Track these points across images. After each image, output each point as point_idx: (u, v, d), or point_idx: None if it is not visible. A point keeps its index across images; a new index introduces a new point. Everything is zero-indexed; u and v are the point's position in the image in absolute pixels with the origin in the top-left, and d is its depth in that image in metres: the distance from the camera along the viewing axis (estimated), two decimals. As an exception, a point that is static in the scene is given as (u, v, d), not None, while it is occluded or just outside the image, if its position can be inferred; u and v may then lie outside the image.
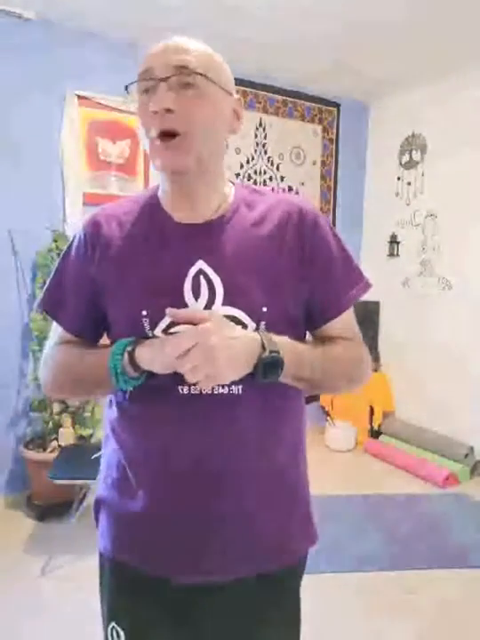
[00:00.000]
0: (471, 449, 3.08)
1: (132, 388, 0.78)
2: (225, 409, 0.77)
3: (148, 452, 0.80)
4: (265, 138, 3.29)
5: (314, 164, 3.56)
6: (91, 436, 2.59)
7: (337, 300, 0.84)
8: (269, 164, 3.34)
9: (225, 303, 0.76)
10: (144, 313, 0.76)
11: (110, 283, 0.81)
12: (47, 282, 0.89)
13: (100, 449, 2.55)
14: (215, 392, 0.76)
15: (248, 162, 3.25)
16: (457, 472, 2.99)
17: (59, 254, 2.46)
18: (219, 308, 0.76)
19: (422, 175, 3.38)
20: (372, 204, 3.78)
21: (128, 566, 0.83)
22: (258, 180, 3.30)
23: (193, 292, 0.77)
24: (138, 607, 0.84)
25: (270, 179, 3.35)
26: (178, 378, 0.71)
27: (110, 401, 0.88)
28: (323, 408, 3.62)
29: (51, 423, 2.55)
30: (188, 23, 2.52)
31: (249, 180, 3.26)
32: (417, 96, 3.36)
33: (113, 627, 0.85)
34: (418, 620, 1.86)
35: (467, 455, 3.06)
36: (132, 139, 2.81)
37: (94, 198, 2.72)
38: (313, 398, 3.52)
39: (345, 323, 0.86)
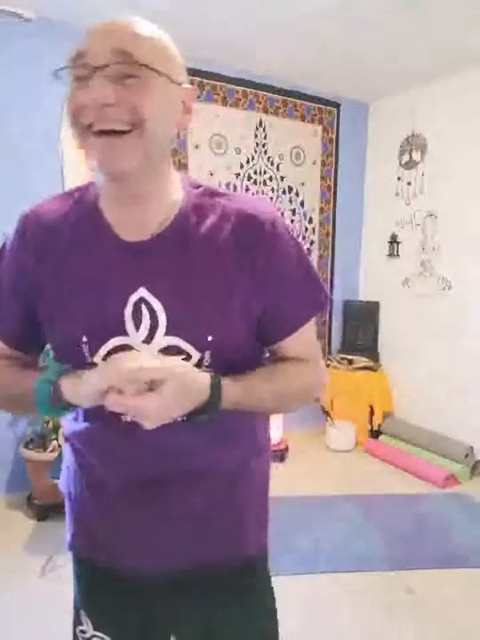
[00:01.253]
0: (471, 449, 3.08)
1: (56, 416, 0.78)
2: (169, 431, 0.71)
3: (93, 462, 0.81)
4: (265, 138, 3.29)
5: (314, 163, 3.55)
6: (91, 435, 2.59)
7: (291, 318, 0.79)
8: (269, 164, 3.34)
9: (168, 333, 0.71)
10: (84, 339, 0.72)
11: (46, 297, 0.75)
12: None
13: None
14: None
15: (248, 162, 3.24)
16: (457, 472, 2.99)
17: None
18: (161, 337, 0.71)
19: (422, 175, 3.38)
20: (372, 204, 3.78)
21: (89, 559, 0.86)
22: (258, 180, 3.30)
23: (134, 321, 0.71)
24: (102, 598, 0.87)
25: (270, 179, 3.35)
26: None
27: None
28: (322, 408, 3.62)
29: (51, 423, 2.55)
30: (188, 23, 2.52)
31: (249, 180, 3.26)
32: (417, 96, 3.36)
33: (82, 612, 0.89)
34: (418, 620, 1.86)
35: (467, 455, 3.06)
36: (132, 139, 2.81)
37: (94, 198, 2.72)
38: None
39: (301, 342, 0.81)
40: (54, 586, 2.00)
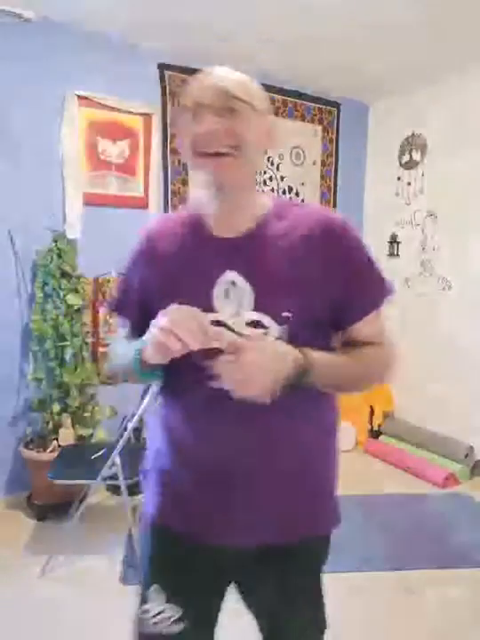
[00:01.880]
0: (471, 449, 3.08)
1: (151, 380, 0.95)
2: (251, 407, 0.80)
3: (184, 436, 0.92)
4: (265, 138, 3.29)
5: (314, 164, 3.55)
6: (91, 435, 2.59)
7: (360, 305, 0.92)
8: (269, 164, 3.34)
9: (253, 309, 0.86)
10: None
11: (156, 289, 0.93)
12: (115, 286, 1.01)
13: (99, 449, 2.56)
14: None
15: (248, 162, 3.24)
16: (457, 472, 2.99)
17: (59, 254, 2.47)
18: (247, 313, 0.86)
19: (422, 175, 3.38)
20: (372, 204, 3.78)
21: (170, 530, 0.94)
22: (258, 180, 3.30)
23: (225, 298, 0.87)
24: (181, 568, 0.94)
25: (270, 179, 3.35)
26: (209, 377, 0.79)
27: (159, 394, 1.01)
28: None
29: (51, 423, 2.54)
30: (188, 23, 2.52)
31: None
32: (417, 96, 3.36)
33: (152, 588, 0.94)
34: (418, 620, 1.86)
35: (467, 455, 3.06)
36: (131, 138, 2.80)
37: (94, 198, 2.72)
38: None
39: (372, 327, 0.95)
40: (54, 586, 2.01)
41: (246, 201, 0.92)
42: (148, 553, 0.98)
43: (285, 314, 0.85)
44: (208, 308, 0.85)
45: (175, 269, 0.92)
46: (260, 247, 0.89)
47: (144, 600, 0.94)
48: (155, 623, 0.92)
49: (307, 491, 0.93)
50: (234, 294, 0.87)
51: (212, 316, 0.85)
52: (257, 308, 0.86)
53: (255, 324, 0.86)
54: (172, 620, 0.91)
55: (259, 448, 0.88)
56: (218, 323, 0.86)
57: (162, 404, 0.98)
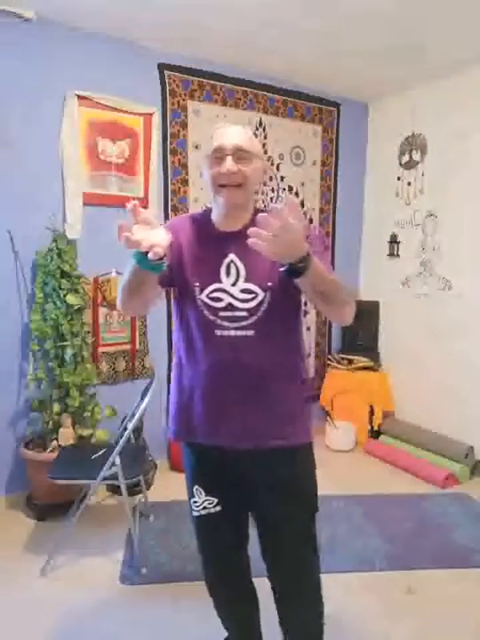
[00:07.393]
0: (471, 449, 3.08)
1: (154, 271, 1.10)
2: (243, 344, 1.22)
3: (198, 372, 1.27)
4: (265, 138, 3.29)
5: (314, 164, 3.55)
6: (91, 435, 2.59)
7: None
8: (269, 164, 3.34)
9: (245, 281, 1.22)
10: (196, 284, 1.24)
11: (177, 263, 1.26)
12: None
13: (99, 449, 2.55)
14: (237, 334, 1.22)
15: (248, 162, 3.24)
16: (457, 472, 2.99)
17: (59, 254, 2.47)
18: (242, 283, 1.22)
19: (422, 175, 3.38)
20: (372, 204, 3.78)
21: (193, 443, 1.33)
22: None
23: (226, 273, 1.23)
24: (208, 469, 1.34)
25: (270, 179, 3.35)
26: (214, 326, 1.21)
27: (176, 344, 1.35)
28: (323, 408, 3.62)
29: (51, 423, 2.54)
30: (188, 23, 2.52)
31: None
32: (417, 96, 3.36)
33: (195, 486, 1.35)
34: (418, 620, 1.86)
35: (467, 455, 3.06)
36: (131, 138, 2.80)
37: (94, 198, 2.72)
38: (313, 398, 3.52)
39: None
40: (54, 586, 2.01)
41: (243, 210, 1.28)
42: (187, 461, 1.38)
43: (269, 284, 1.21)
44: (216, 279, 1.22)
45: (194, 254, 1.26)
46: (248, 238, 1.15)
47: (192, 494, 1.36)
48: (203, 508, 1.34)
49: (274, 415, 1.28)
50: (233, 270, 1.23)
51: (217, 285, 1.22)
52: (247, 280, 1.22)
53: (247, 291, 1.21)
54: (212, 505, 1.34)
55: (244, 386, 1.24)
56: (222, 290, 1.22)
57: (177, 362, 1.33)
